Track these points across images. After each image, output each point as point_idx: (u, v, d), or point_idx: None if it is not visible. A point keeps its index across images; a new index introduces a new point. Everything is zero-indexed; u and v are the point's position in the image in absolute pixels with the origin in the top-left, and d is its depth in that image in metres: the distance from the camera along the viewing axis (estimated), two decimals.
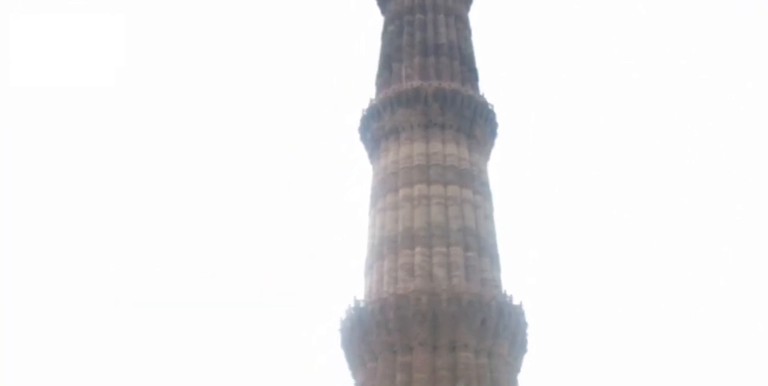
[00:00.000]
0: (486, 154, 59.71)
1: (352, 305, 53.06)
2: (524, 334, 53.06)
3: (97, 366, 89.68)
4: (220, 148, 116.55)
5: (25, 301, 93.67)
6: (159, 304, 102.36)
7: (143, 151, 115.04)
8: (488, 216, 56.20)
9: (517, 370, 52.70)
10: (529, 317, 53.53)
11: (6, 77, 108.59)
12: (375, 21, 65.30)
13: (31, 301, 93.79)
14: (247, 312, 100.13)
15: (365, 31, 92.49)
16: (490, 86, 78.55)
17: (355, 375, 52.69)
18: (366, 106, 60.90)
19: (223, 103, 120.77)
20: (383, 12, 67.28)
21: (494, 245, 55.16)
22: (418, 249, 53.21)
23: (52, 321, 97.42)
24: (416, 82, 60.10)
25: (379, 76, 63.05)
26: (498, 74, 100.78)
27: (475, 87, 62.34)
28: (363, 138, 61.09)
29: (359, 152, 61.60)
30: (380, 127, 59.69)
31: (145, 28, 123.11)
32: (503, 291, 53.50)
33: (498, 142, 61.04)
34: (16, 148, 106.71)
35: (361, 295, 54.01)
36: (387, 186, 56.69)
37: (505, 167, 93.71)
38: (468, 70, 63.01)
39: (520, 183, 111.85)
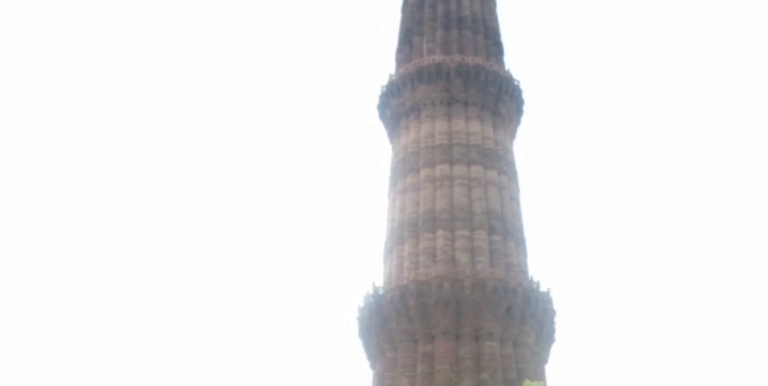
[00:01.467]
0: (512, 133, 58.58)
1: (371, 292, 51.85)
2: (552, 322, 51.81)
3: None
4: (237, 130, 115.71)
5: (41, 302, 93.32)
6: (174, 294, 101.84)
7: (165, 144, 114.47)
8: (514, 198, 55.13)
9: (545, 361, 51.41)
10: (557, 304, 52.43)
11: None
12: None
13: (53, 302, 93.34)
14: (262, 301, 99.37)
15: (385, 4, 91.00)
16: (516, 61, 77.09)
17: (373, 365, 51.68)
18: (385, 82, 60.01)
19: (238, 83, 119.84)
20: None
21: (520, 228, 54.11)
22: (440, 233, 52.24)
23: (76, 320, 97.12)
24: (438, 57, 59.02)
25: (399, 50, 61.88)
26: (525, 48, 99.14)
27: (500, 62, 61.02)
28: (382, 116, 60.12)
29: (378, 131, 60.76)
30: (400, 104, 58.73)
31: (160, 13, 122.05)
32: (530, 277, 52.18)
33: (525, 119, 60.23)
34: (19, 147, 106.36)
35: (380, 282, 52.81)
36: (407, 166, 55.82)
37: (532, 146, 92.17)
38: (493, 44, 61.80)
39: (547, 163, 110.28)
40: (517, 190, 56.12)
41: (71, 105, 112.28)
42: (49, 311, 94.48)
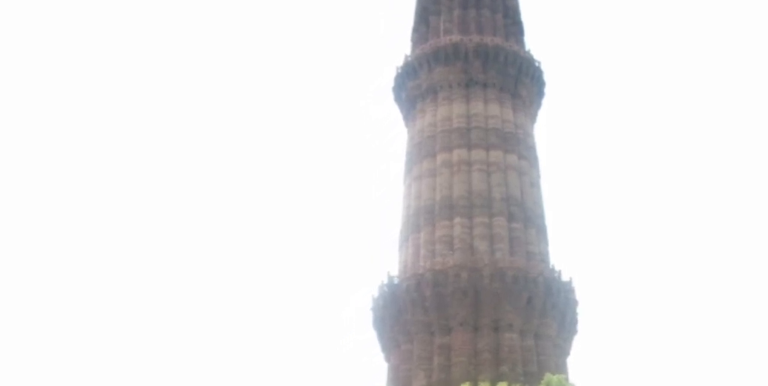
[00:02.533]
0: (532, 116, 57.43)
1: (385, 281, 50.65)
2: (574, 313, 50.61)
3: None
4: (248, 117, 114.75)
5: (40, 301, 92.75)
6: (183, 289, 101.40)
7: (172, 137, 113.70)
8: (534, 184, 54.08)
9: (567, 353, 50.27)
10: (580, 294, 51.38)
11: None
12: None
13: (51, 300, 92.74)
14: (274, 292, 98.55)
15: None
16: (536, 41, 75.57)
17: (388, 357, 50.69)
18: (401, 63, 58.91)
19: (249, 68, 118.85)
20: None
21: (541, 215, 53.12)
22: (457, 220, 51.27)
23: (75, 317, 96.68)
24: (455, 37, 57.83)
25: (415, 30, 60.67)
26: (546, 28, 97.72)
27: (520, 42, 59.74)
28: (397, 98, 59.01)
29: (393, 114, 60.12)
30: (416, 86, 57.70)
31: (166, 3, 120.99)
32: (551, 266, 50.97)
33: (546, 102, 58.95)
34: (18, 146, 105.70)
35: (395, 271, 51.66)
36: (423, 151, 54.86)
37: (553, 130, 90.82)
38: (512, 24, 60.72)
39: (570, 147, 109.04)
40: (538, 176, 55.04)
41: (70, 104, 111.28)
42: (47, 310, 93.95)
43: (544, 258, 51.86)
